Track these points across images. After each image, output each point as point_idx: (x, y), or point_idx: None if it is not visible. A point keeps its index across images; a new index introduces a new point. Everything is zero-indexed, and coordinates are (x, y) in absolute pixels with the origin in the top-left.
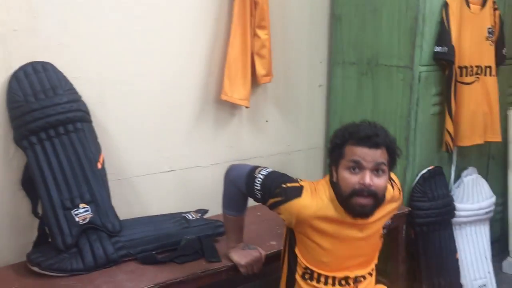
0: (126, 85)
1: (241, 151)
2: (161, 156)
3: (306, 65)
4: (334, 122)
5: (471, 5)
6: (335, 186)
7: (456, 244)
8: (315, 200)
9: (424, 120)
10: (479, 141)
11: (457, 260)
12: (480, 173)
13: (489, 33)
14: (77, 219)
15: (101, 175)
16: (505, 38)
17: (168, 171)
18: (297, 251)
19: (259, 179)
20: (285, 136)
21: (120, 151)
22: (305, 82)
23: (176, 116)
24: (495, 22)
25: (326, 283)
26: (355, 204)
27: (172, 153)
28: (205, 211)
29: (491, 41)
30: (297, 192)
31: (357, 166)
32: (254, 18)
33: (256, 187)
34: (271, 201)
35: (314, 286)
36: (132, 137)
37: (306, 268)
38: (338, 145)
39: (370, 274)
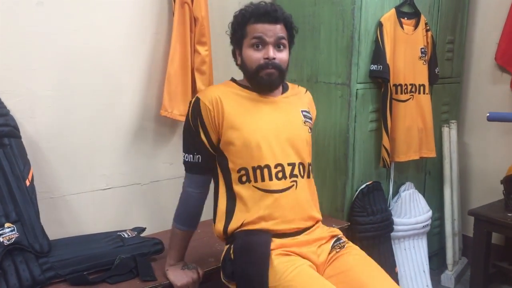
0: (58, 100)
1: (181, 168)
2: (97, 173)
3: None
4: None
5: (404, 26)
6: (241, 67)
7: (395, 258)
8: (214, 88)
9: (362, 136)
10: (415, 156)
11: (396, 274)
12: (417, 188)
13: (422, 53)
14: (1, 239)
15: (30, 193)
16: (437, 58)
17: (105, 189)
18: (230, 165)
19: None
20: None
21: (53, 168)
22: None
23: (113, 132)
24: (427, 42)
25: (263, 179)
26: (262, 76)
27: (109, 170)
28: (142, 229)
29: (424, 60)
30: (196, 101)
31: (260, 43)
32: (194, 34)
33: (184, 158)
34: (202, 136)
35: (252, 186)
36: (66, 154)
37: (240, 169)
38: (239, 25)
39: (303, 171)
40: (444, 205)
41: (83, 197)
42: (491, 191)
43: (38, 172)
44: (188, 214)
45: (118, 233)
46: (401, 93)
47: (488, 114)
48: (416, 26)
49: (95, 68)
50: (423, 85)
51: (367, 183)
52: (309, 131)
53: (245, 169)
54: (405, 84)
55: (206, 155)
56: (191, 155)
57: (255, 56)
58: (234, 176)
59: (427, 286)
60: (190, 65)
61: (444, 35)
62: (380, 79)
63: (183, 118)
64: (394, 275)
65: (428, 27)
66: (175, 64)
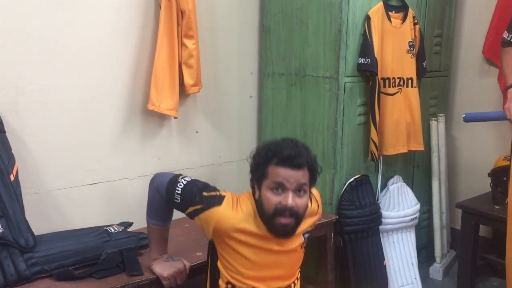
0: (43, 95)
1: (170, 162)
2: (84, 168)
3: (236, 76)
4: (265, 133)
5: (392, 20)
6: (257, 203)
7: (384, 251)
8: (235, 212)
9: (350, 129)
10: (403, 150)
11: (384, 267)
12: (405, 181)
13: (410, 46)
14: None
15: (14, 188)
16: (425, 52)
17: (92, 184)
18: (219, 264)
19: (181, 185)
20: (216, 147)
21: (38, 163)
22: (236, 93)
23: (100, 127)
24: (415, 36)
25: None
26: (277, 224)
27: (96, 165)
28: (129, 224)
29: (412, 54)
30: (218, 201)
31: (280, 187)
32: (181, 27)
33: (176, 191)
34: (191, 209)
35: None
36: (52, 149)
37: (228, 282)
38: (260, 164)
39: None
40: (432, 198)
41: (70, 192)
42: (479, 184)
43: (23, 167)
44: (159, 210)
45: (105, 227)
46: (389, 87)
47: (463, 115)
48: (404, 19)
49: (81, 62)
50: (411, 79)
51: (356, 177)
52: (304, 246)
53: (231, 284)
54: (393, 78)
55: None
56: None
57: (273, 200)
58: (222, 284)
59: (415, 278)
60: (177, 59)
61: (432, 28)
62: (368, 73)
63: (170, 112)
64: (382, 268)
65: (416, 21)
66: (162, 58)
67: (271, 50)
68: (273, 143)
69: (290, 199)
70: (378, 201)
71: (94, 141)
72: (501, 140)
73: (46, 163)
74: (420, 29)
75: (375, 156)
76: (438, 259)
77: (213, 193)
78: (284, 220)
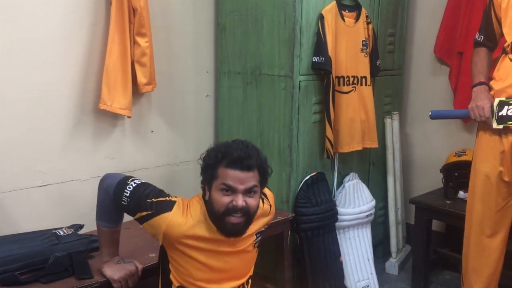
0: None
1: (124, 163)
2: (32, 170)
3: (192, 74)
4: (222, 132)
5: (345, 19)
6: (207, 204)
7: (340, 247)
8: (185, 217)
9: (305, 127)
10: (358, 147)
11: (341, 263)
12: (361, 178)
13: (363, 45)
14: None
15: None
16: (379, 51)
17: (42, 186)
18: (170, 267)
19: (130, 187)
20: (172, 146)
21: None
22: (192, 92)
23: (50, 127)
24: (368, 35)
25: None
26: (227, 223)
27: (45, 166)
28: (80, 226)
29: (366, 53)
30: (167, 207)
31: (229, 189)
32: (133, 25)
33: (125, 194)
34: (139, 214)
35: None
36: None
37: (180, 286)
38: (210, 165)
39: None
40: (387, 194)
41: (17, 195)
42: (433, 180)
43: None
44: (108, 212)
45: (54, 231)
46: (344, 85)
47: (430, 113)
48: (357, 18)
49: (29, 60)
50: (365, 77)
51: (312, 174)
52: (257, 246)
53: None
54: (347, 76)
55: (130, 211)
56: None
57: (223, 201)
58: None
59: (371, 273)
60: (129, 57)
61: (385, 28)
62: (322, 71)
63: (123, 112)
64: (339, 265)
65: (369, 20)
66: (114, 56)
67: (226, 49)
68: (223, 145)
69: (240, 200)
70: (334, 198)
71: (43, 141)
72: (451, 137)
73: None
74: (373, 29)
75: (331, 154)
76: (394, 254)
77: (163, 199)
78: (234, 220)
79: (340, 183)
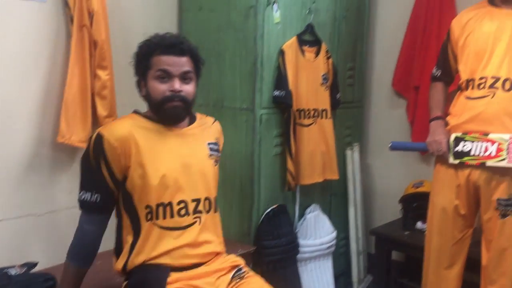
0: None
1: None
2: None
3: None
4: None
5: (306, 54)
6: (146, 98)
7: (302, 279)
8: (119, 124)
9: (267, 160)
10: (319, 179)
11: None
12: (323, 209)
13: (324, 79)
14: None
15: None
16: (339, 84)
17: None
18: (135, 202)
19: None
20: None
21: None
22: None
23: (5, 160)
24: (329, 69)
25: (165, 217)
26: (167, 108)
27: (0, 201)
28: (34, 264)
29: (326, 86)
30: (98, 138)
31: (165, 75)
32: (94, 58)
33: (80, 196)
34: (105, 174)
35: (155, 223)
36: None
37: (145, 206)
38: (144, 56)
39: (209, 207)
40: (349, 224)
41: None
42: (393, 210)
43: None
44: (83, 251)
45: (4, 270)
46: (304, 118)
47: (390, 144)
48: (317, 53)
49: None
50: (326, 110)
51: (273, 207)
52: (215, 164)
53: (150, 206)
54: (308, 109)
55: (106, 194)
56: (89, 194)
57: (160, 88)
58: (140, 213)
59: None
60: (89, 90)
61: (345, 62)
62: (283, 105)
63: (82, 144)
64: None
65: (329, 55)
66: (73, 89)
67: None
68: (154, 36)
69: (177, 84)
70: (296, 230)
71: None
72: (410, 168)
73: None
74: (333, 63)
75: (292, 186)
76: (355, 285)
77: (91, 147)
78: (173, 103)
79: (302, 214)
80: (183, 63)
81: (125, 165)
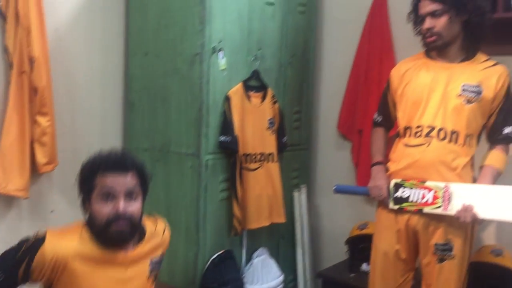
0: None
1: None
2: None
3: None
4: None
5: (252, 99)
6: (89, 221)
7: None
8: (65, 239)
9: (213, 206)
10: (266, 223)
11: None
12: (271, 252)
13: (270, 123)
14: None
15: None
16: (286, 127)
17: None
18: None
19: None
20: None
21: None
22: None
23: None
24: (275, 113)
25: None
26: (112, 232)
27: None
28: None
29: (272, 130)
30: (40, 241)
31: (109, 195)
32: (34, 104)
33: None
34: (20, 271)
35: None
36: None
37: None
38: (87, 177)
39: None
40: (297, 267)
41: None
42: (340, 251)
43: None
44: None
45: None
46: (251, 162)
47: (334, 187)
48: (263, 98)
49: None
50: (272, 154)
51: (219, 253)
52: (153, 282)
53: None
54: (254, 154)
55: (10, 279)
56: None
57: (104, 210)
58: None
59: None
60: (28, 137)
61: (292, 106)
62: (229, 150)
63: (19, 193)
64: None
65: (275, 99)
66: (11, 136)
67: (135, 126)
68: (97, 155)
69: (121, 205)
70: (243, 276)
71: None
72: (357, 209)
73: None
74: (279, 107)
75: (238, 231)
76: None
77: (32, 239)
78: (118, 227)
79: (249, 259)
80: (128, 180)
81: (49, 279)
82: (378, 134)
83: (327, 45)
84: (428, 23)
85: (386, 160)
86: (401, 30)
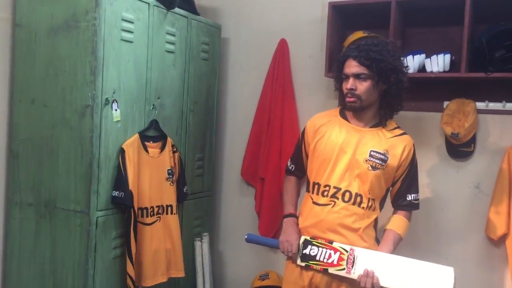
0: None
1: None
2: None
3: None
4: (11, 268)
5: (149, 149)
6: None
7: None
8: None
9: (104, 265)
10: (162, 279)
11: None
12: None
13: (169, 174)
14: None
15: None
16: (187, 176)
17: None
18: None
19: None
20: None
21: None
22: None
23: None
24: (175, 163)
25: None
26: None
27: None
28: None
29: (171, 181)
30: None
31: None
32: None
33: None
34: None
35: None
36: None
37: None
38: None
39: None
40: None
41: None
42: None
43: None
44: None
45: None
46: (147, 216)
47: (246, 237)
48: (162, 148)
49: None
50: (171, 206)
51: None
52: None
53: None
54: (151, 207)
55: None
56: None
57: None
58: None
59: None
60: None
61: (194, 153)
62: (122, 206)
63: None
64: None
65: (175, 149)
66: None
67: (19, 178)
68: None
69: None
70: None
71: None
72: (260, 256)
73: None
74: (179, 156)
75: None
76: None
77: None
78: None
79: None
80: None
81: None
82: (291, 184)
83: (231, 91)
84: (351, 83)
85: (297, 210)
86: (301, 78)
